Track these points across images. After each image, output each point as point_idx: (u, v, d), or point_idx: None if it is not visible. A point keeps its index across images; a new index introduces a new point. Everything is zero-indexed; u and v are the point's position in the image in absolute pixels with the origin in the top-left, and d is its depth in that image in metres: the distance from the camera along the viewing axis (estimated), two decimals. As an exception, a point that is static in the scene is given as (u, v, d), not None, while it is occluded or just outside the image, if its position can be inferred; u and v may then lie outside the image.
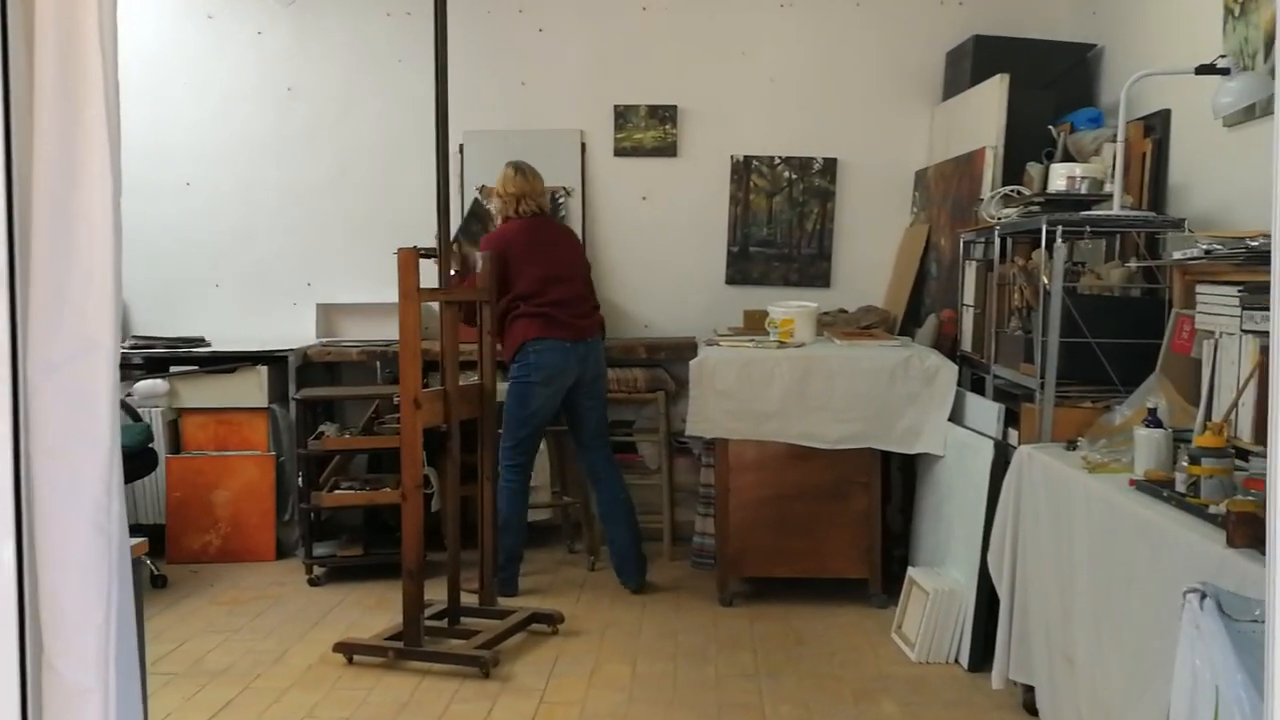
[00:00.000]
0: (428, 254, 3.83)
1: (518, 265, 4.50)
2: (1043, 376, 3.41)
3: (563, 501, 5.25)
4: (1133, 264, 3.53)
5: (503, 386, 4.51)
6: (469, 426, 4.15)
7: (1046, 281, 3.38)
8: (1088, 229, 3.41)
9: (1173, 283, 3.34)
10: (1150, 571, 2.40)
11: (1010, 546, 3.32)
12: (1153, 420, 2.82)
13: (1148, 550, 2.43)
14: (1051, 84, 4.98)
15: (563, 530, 5.38)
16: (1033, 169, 4.66)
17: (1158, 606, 2.35)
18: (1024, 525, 3.25)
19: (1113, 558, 2.60)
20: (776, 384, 4.30)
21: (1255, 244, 2.75)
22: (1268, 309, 3.02)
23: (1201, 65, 3.33)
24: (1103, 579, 2.66)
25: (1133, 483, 2.68)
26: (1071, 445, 3.28)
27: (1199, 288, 3.19)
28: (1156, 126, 4.21)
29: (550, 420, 4.67)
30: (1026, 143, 4.76)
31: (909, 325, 5.34)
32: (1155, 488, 2.56)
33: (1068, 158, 4.60)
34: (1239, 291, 2.94)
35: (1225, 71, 3.28)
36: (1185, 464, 2.46)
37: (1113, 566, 2.60)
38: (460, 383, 4.04)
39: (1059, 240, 3.35)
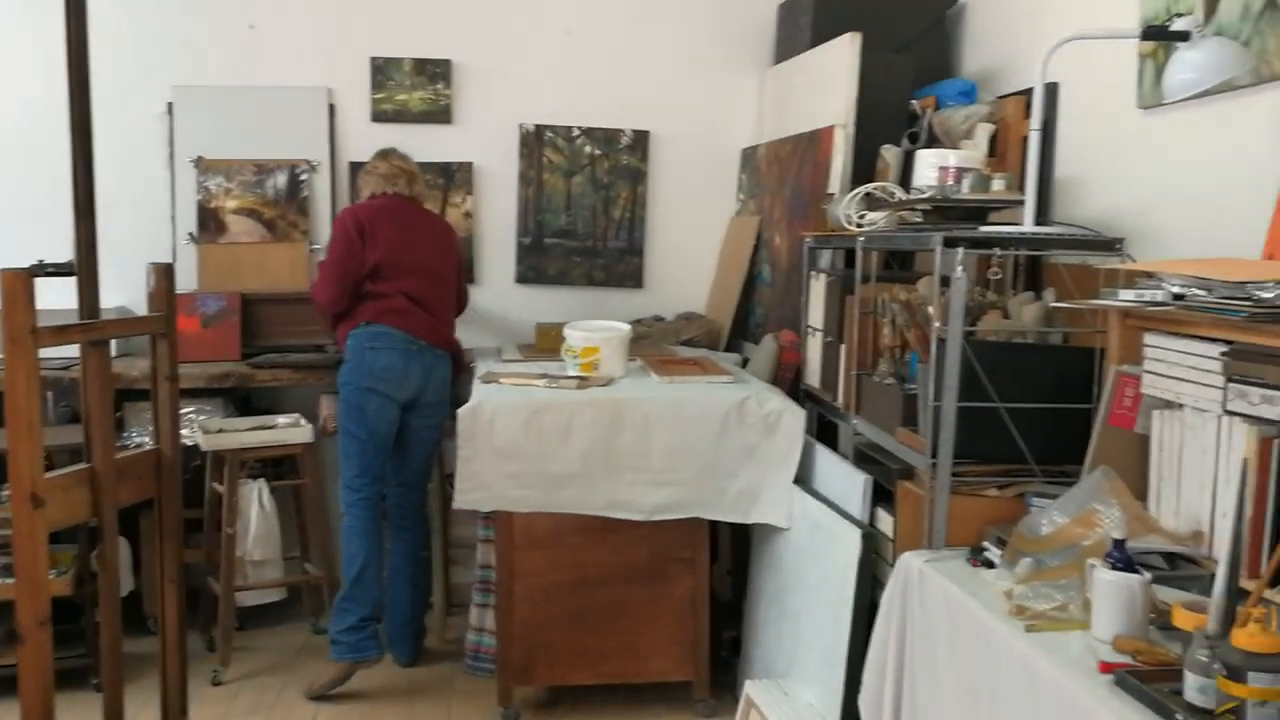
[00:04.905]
0: (58, 272, 2.59)
1: (368, 245, 3.67)
2: (935, 455, 2.47)
3: (304, 576, 4.08)
4: (1052, 301, 2.62)
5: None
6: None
7: (941, 324, 2.44)
8: (997, 252, 2.47)
9: (1109, 327, 2.44)
10: None
11: (893, 696, 2.39)
12: (1120, 557, 1.91)
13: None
14: (905, 47, 4.07)
15: (304, 604, 4.21)
16: (888, 153, 3.75)
17: None
18: (915, 674, 2.32)
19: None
20: (576, 438, 3.25)
21: (1270, 294, 1.85)
22: (1278, 387, 2.16)
23: (1151, 27, 2.43)
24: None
25: (1107, 669, 1.75)
26: (977, 554, 2.37)
27: (1148, 338, 2.30)
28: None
29: (392, 438, 3.71)
30: (879, 119, 3.84)
31: (738, 339, 4.40)
32: (1152, 694, 1.63)
33: (933, 140, 3.70)
34: (1221, 354, 2.06)
35: (1182, 36, 2.38)
36: (1214, 668, 1.54)
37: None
38: (131, 450, 2.85)
39: (960, 268, 2.40)
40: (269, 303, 4.35)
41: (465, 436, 3.24)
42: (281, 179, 4.49)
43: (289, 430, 3.86)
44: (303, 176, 4.50)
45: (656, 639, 3.41)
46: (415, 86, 4.55)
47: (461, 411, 3.25)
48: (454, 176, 4.60)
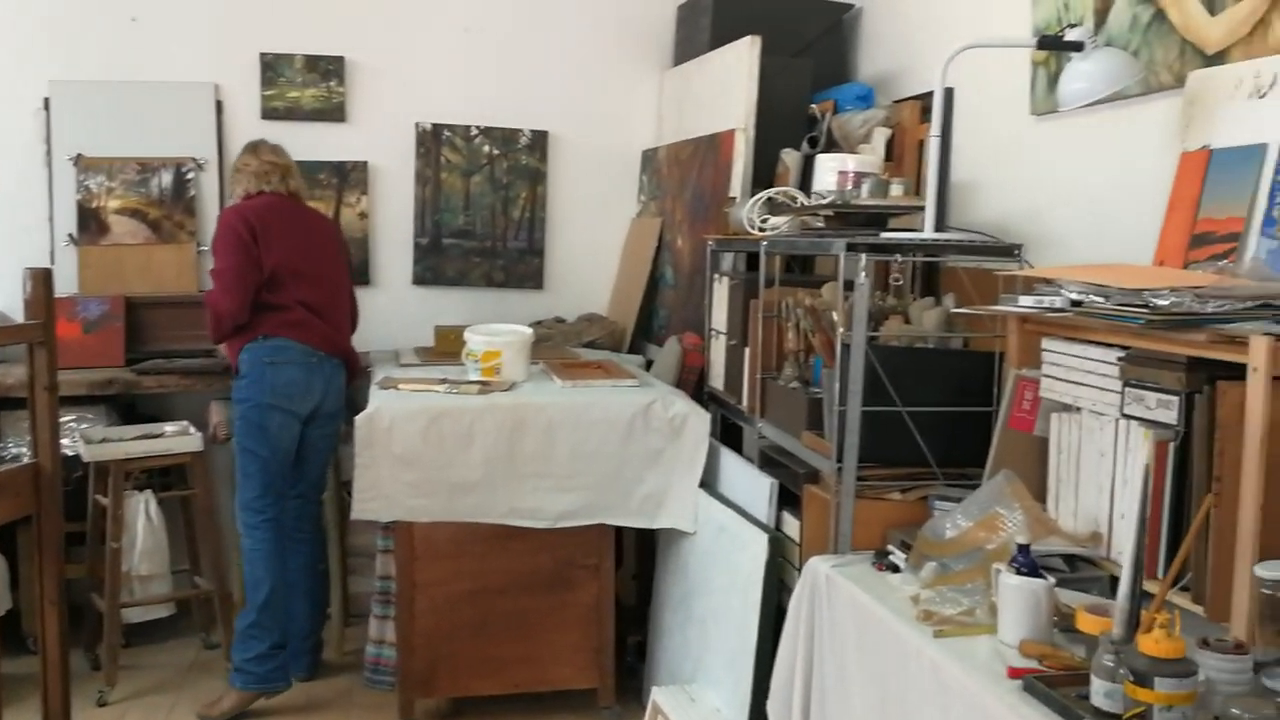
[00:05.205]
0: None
1: (263, 250, 3.43)
2: (840, 459, 2.48)
3: (194, 590, 3.94)
4: (952, 306, 2.65)
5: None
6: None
7: (846, 329, 2.45)
8: (898, 258, 2.49)
9: (1008, 332, 2.48)
10: None
11: (801, 701, 2.39)
12: (1025, 562, 1.93)
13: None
14: (803, 51, 4.10)
15: (194, 618, 4.07)
16: (788, 157, 3.78)
17: None
18: (823, 679, 2.32)
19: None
20: (477, 445, 3.19)
21: (1166, 301, 1.89)
22: (1173, 391, 2.21)
23: (1046, 36, 2.47)
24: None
25: (1015, 674, 1.77)
26: (883, 558, 2.38)
27: (1046, 343, 2.34)
28: (937, 109, 3.40)
29: (294, 455, 3.54)
30: (779, 122, 3.86)
31: (641, 341, 4.38)
32: (1059, 699, 1.65)
33: (832, 144, 3.74)
34: (1118, 359, 2.10)
35: (1076, 46, 2.43)
36: (1120, 673, 1.56)
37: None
38: (7, 464, 2.70)
39: (863, 274, 2.42)
40: (155, 306, 4.19)
41: (363, 444, 3.15)
42: (167, 178, 4.33)
43: (177, 439, 3.72)
44: (189, 175, 4.34)
45: (561, 647, 3.38)
46: (307, 84, 4.43)
47: (359, 419, 3.17)
48: (348, 176, 4.49)
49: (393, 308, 4.56)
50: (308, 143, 4.35)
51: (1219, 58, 2.37)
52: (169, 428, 3.81)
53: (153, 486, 3.87)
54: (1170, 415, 1.97)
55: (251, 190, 3.55)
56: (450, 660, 3.32)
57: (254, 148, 3.63)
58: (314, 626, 3.73)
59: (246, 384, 3.42)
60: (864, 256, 2.43)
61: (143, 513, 3.74)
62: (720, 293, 3.47)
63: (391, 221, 4.58)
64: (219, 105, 4.38)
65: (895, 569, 2.32)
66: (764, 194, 3.16)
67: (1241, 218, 2.20)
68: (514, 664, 3.35)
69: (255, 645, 3.41)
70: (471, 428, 3.19)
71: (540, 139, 4.64)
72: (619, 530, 3.50)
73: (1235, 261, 2.18)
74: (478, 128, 4.60)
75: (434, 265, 4.63)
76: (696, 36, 4.33)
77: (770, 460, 3.04)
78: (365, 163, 4.50)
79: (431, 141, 4.57)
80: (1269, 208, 2.16)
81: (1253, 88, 2.25)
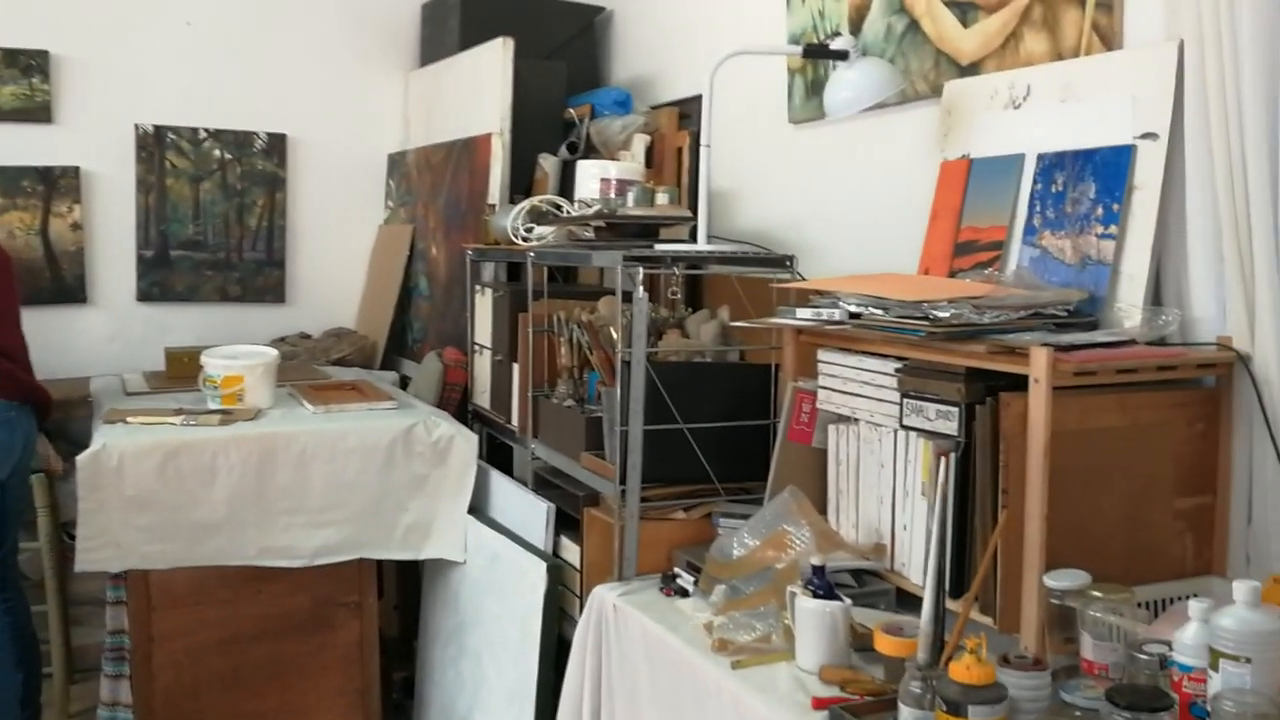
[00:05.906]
0: None
1: None
2: (624, 481, 2.38)
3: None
4: (728, 318, 2.59)
5: None
6: None
7: (625, 347, 2.35)
8: (676, 272, 2.41)
9: (784, 344, 2.45)
10: None
11: (592, 738, 2.28)
12: (820, 584, 1.89)
13: None
14: (554, 54, 4.00)
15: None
16: (546, 162, 3.67)
17: None
18: (614, 714, 2.21)
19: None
20: (222, 481, 2.89)
21: (945, 313, 1.89)
22: (953, 402, 2.22)
23: (812, 45, 2.45)
24: None
25: (820, 705, 1.72)
26: (670, 582, 2.30)
27: (821, 354, 2.32)
28: (695, 115, 3.37)
29: None
30: (535, 126, 3.75)
31: (394, 355, 4.15)
32: (868, 727, 1.61)
33: (591, 150, 3.65)
34: (896, 371, 2.09)
35: (841, 55, 2.42)
36: (929, 700, 1.52)
37: None
38: None
39: (640, 288, 2.32)
40: None
41: (88, 487, 2.79)
42: None
43: None
44: None
45: (322, 691, 3.12)
46: (6, 80, 3.93)
47: (82, 459, 2.80)
48: (57, 183, 4.02)
49: (115, 327, 4.13)
50: (8, 147, 3.88)
51: (973, 69, 2.42)
52: None
53: None
54: (951, 426, 1.97)
55: None
56: (197, 718, 3.00)
57: None
58: (29, 695, 3.27)
59: None
60: (642, 269, 2.33)
61: None
62: (483, 305, 3.31)
63: (110, 233, 4.14)
64: (-105, 103, 3.83)
65: (684, 593, 2.24)
66: (528, 202, 3.03)
67: (1004, 226, 2.24)
68: (271, 715, 3.07)
69: None
70: (214, 462, 2.89)
71: (278, 142, 4.32)
72: (380, 561, 3.28)
73: (1000, 270, 2.22)
74: (207, 130, 4.23)
75: (161, 280, 4.23)
76: (444, 37, 4.14)
77: (545, 482, 2.91)
78: (77, 168, 4.05)
79: (154, 145, 4.17)
80: (1029, 216, 2.21)
81: (1008, 99, 2.30)
